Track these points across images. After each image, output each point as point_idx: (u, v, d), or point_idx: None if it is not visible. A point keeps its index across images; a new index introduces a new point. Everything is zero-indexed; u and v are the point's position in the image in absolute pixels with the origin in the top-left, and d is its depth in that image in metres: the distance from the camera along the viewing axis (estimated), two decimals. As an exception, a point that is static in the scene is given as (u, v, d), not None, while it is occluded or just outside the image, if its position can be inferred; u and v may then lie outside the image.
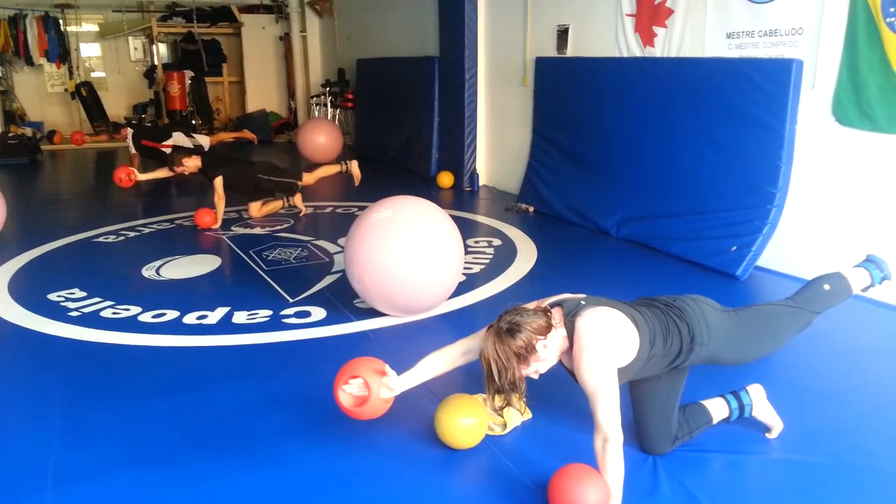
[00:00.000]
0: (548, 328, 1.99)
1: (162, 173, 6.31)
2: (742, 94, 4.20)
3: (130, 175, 6.34)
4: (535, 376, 2.06)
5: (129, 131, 7.93)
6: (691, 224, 4.54)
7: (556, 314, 2.04)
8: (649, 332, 2.08)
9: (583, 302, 2.07)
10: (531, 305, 2.09)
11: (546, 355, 2.00)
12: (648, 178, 4.95)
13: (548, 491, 2.03)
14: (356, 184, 6.14)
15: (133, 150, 7.90)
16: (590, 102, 5.47)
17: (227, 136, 8.88)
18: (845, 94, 3.77)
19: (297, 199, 5.97)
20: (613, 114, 5.24)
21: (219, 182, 5.54)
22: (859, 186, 3.81)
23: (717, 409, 2.41)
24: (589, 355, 1.94)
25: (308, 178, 5.96)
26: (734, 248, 4.21)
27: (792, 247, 4.16)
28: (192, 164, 5.79)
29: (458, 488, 2.24)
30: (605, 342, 1.96)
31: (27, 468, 2.34)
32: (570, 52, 5.79)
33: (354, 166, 6.10)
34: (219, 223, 5.55)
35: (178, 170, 5.81)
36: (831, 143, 3.92)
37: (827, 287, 2.34)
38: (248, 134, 9.08)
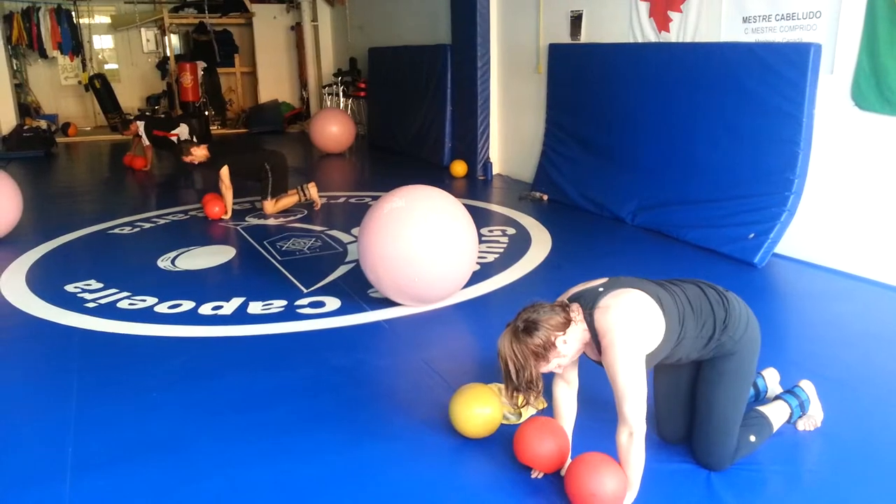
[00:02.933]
0: (566, 323, 1.95)
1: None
2: (759, 79, 4.14)
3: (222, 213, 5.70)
4: (559, 370, 2.03)
5: (140, 124, 7.95)
6: (708, 211, 4.50)
7: (576, 309, 2.00)
8: (678, 311, 2.02)
9: (601, 289, 2.02)
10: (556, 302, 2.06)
11: (567, 350, 1.96)
12: (664, 165, 4.90)
13: (564, 480, 2.02)
14: (316, 208, 5.84)
15: (146, 143, 7.94)
16: (604, 89, 5.42)
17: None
18: (865, 78, 3.70)
19: (313, 192, 5.86)
20: (628, 100, 5.18)
21: (224, 172, 5.48)
22: (879, 172, 3.75)
23: (777, 412, 2.33)
24: (616, 350, 1.89)
25: (269, 207, 5.59)
26: (752, 235, 4.16)
27: (810, 234, 4.11)
28: (201, 153, 5.72)
29: (472, 478, 2.24)
30: (630, 331, 1.92)
31: (46, 456, 2.36)
32: (584, 38, 5.73)
33: (313, 191, 5.86)
34: (229, 213, 5.55)
35: (187, 159, 5.75)
36: (850, 128, 3.85)
37: (753, 439, 2.22)
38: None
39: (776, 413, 2.32)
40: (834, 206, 3.99)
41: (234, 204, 5.64)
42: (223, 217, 5.53)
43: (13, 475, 2.28)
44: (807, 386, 2.44)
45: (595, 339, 1.97)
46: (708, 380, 2.16)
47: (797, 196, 4.06)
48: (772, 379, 2.56)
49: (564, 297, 2.08)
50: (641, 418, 1.90)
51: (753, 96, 4.19)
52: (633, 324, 1.93)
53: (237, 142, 6.53)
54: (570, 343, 1.96)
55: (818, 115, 3.97)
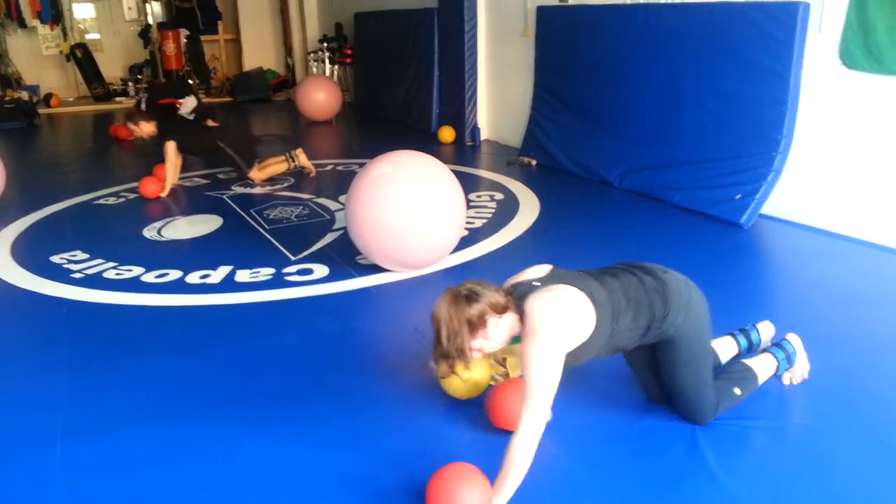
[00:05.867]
0: (504, 308, 1.92)
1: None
2: (746, 39, 4.11)
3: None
4: (478, 355, 1.95)
5: (143, 97, 7.83)
6: (695, 173, 4.50)
7: (512, 300, 1.96)
8: (612, 308, 2.00)
9: (536, 283, 1.98)
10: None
11: (495, 335, 1.92)
12: (652, 127, 4.89)
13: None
14: (312, 175, 5.79)
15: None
16: (592, 52, 5.37)
17: None
18: (853, 35, 3.68)
19: (303, 159, 5.78)
20: (616, 63, 5.14)
21: (170, 146, 5.30)
22: (866, 131, 3.75)
23: (763, 365, 2.36)
24: (536, 341, 1.86)
25: (257, 175, 5.52)
26: (738, 196, 4.17)
27: (797, 194, 4.12)
28: (147, 129, 5.51)
29: (463, 438, 2.26)
30: (554, 326, 1.88)
31: (37, 424, 2.37)
32: (573, 0, 5.66)
33: (302, 156, 5.77)
34: (166, 191, 5.33)
35: (132, 129, 5.55)
36: (838, 87, 3.84)
37: (737, 391, 2.24)
38: (211, 124, 8.38)
39: (762, 366, 2.34)
40: (820, 166, 4.00)
41: (221, 174, 5.58)
42: (160, 196, 5.30)
43: (4, 442, 2.29)
44: (793, 339, 2.47)
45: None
46: (665, 363, 2.18)
47: (783, 156, 4.06)
48: (766, 333, 2.59)
49: (507, 284, 2.06)
50: (536, 419, 1.84)
51: (741, 57, 4.16)
52: (559, 319, 1.89)
53: (184, 119, 6.20)
54: (500, 328, 1.92)
55: (805, 75, 3.95)
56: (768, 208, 4.20)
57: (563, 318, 1.90)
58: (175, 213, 4.87)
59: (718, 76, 4.34)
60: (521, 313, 1.93)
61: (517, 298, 1.95)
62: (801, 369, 2.45)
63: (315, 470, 2.10)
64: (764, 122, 4.09)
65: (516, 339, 2.74)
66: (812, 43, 3.88)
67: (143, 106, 7.82)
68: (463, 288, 1.92)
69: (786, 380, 2.44)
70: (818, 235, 3.98)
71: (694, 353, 2.14)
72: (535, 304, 1.91)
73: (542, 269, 2.07)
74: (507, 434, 1.97)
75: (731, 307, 2.90)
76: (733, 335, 2.54)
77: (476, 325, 1.88)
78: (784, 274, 3.77)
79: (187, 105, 7.95)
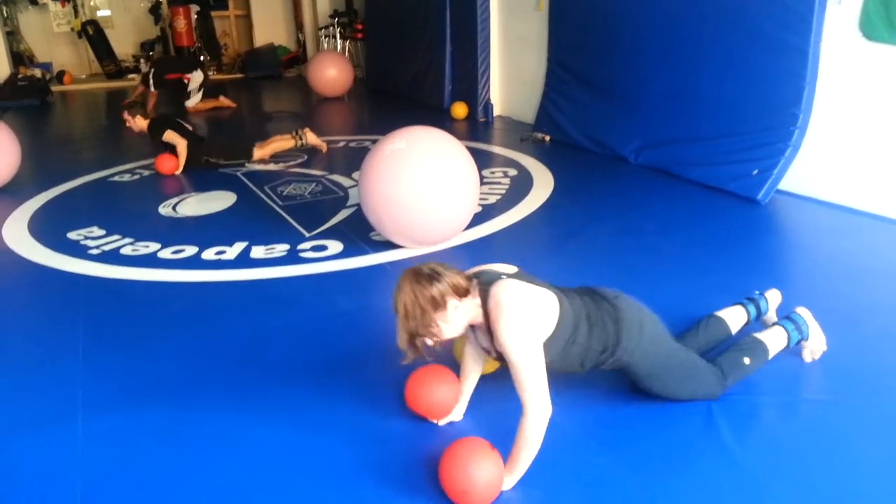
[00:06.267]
0: (465, 293, 1.90)
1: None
2: (764, 11, 4.03)
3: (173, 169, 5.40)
4: (431, 342, 1.91)
5: (151, 71, 7.83)
6: (711, 148, 4.45)
7: (475, 284, 1.94)
8: (574, 314, 1.99)
9: (504, 276, 1.97)
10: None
11: (453, 318, 1.89)
12: (667, 102, 4.83)
13: (438, 473, 1.88)
14: (324, 152, 5.78)
15: (153, 90, 7.83)
16: (607, 25, 5.30)
17: (204, 106, 8.18)
18: (874, 6, 3.60)
19: (311, 137, 5.76)
20: (631, 37, 5.07)
21: (170, 134, 5.30)
22: (886, 105, 3.69)
23: (773, 338, 2.33)
24: (509, 320, 1.84)
25: (259, 153, 5.49)
26: (755, 171, 4.13)
27: (816, 170, 4.07)
28: (139, 125, 5.48)
29: (477, 413, 2.27)
30: (523, 307, 1.87)
31: (58, 399, 2.41)
32: (586, -28, 5.57)
33: (310, 135, 5.74)
34: (181, 168, 5.32)
35: (126, 119, 5.51)
36: (858, 60, 3.77)
37: (747, 361, 2.22)
38: (224, 101, 8.32)
39: (772, 338, 2.32)
40: (839, 141, 3.95)
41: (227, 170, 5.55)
42: (175, 173, 5.30)
43: (26, 417, 2.33)
44: (803, 311, 2.44)
45: (487, 322, 1.91)
46: (636, 381, 2.19)
47: (802, 131, 4.01)
48: (773, 300, 2.60)
49: (469, 272, 2.05)
50: (540, 396, 1.83)
51: (758, 30, 4.09)
52: (527, 302, 1.89)
53: (176, 121, 6.01)
54: (459, 313, 1.90)
55: (824, 48, 3.88)
56: (786, 184, 4.16)
57: (530, 304, 1.90)
58: (190, 190, 4.89)
59: (735, 50, 4.27)
60: (484, 300, 1.91)
61: (483, 284, 1.93)
62: (817, 342, 2.42)
63: (328, 444, 2.13)
64: (782, 97, 4.03)
65: None
66: (832, 14, 3.81)
67: (150, 81, 7.80)
68: (425, 267, 1.91)
69: (807, 357, 2.43)
70: (836, 211, 3.95)
71: (657, 365, 2.13)
72: (502, 287, 1.89)
73: (508, 267, 2.05)
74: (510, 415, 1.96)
75: (748, 283, 2.88)
76: (742, 304, 2.54)
77: (438, 304, 1.86)
78: (801, 250, 3.74)
79: (195, 80, 7.95)
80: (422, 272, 1.88)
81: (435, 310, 1.86)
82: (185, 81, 7.96)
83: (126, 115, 5.50)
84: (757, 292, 2.62)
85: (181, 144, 5.32)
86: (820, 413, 2.20)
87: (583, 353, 2.03)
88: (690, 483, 1.91)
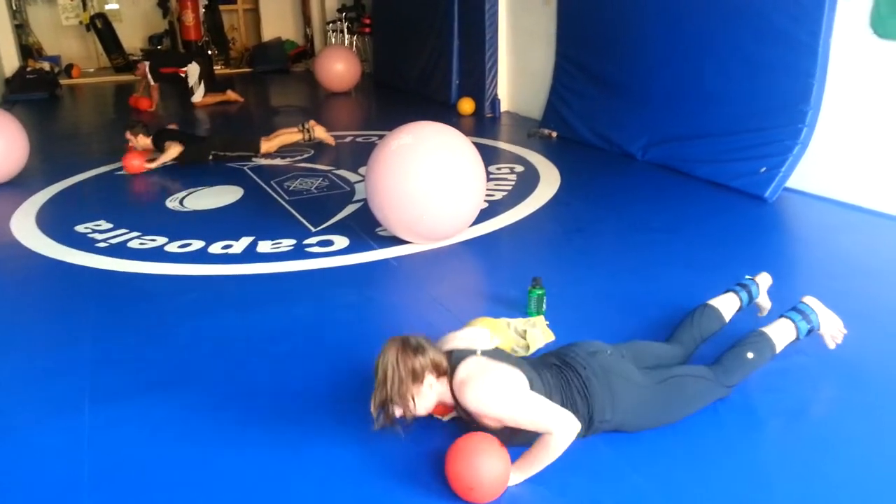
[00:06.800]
0: (444, 371, 1.92)
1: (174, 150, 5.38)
2: (773, 6, 4.01)
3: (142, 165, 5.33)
4: (398, 413, 1.91)
5: (146, 64, 7.84)
6: (719, 145, 4.43)
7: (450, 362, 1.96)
8: (544, 392, 1.94)
9: (478, 353, 1.96)
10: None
11: (426, 395, 1.91)
12: (675, 99, 4.81)
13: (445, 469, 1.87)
14: (332, 144, 5.82)
15: (153, 83, 7.84)
16: (615, 20, 5.28)
17: (211, 101, 8.15)
18: (885, 3, 3.58)
19: (319, 131, 5.78)
20: (639, 32, 5.05)
21: (170, 144, 5.30)
22: (896, 103, 3.67)
23: (780, 331, 2.29)
24: (473, 390, 1.84)
25: (266, 146, 5.52)
26: (763, 169, 4.11)
27: (824, 168, 4.05)
28: (142, 143, 5.45)
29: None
30: (487, 376, 1.87)
31: (65, 389, 2.43)
32: (595, -33, 5.55)
33: (318, 130, 5.75)
34: (149, 167, 5.26)
35: (129, 137, 5.46)
36: (868, 57, 3.75)
37: (750, 355, 2.18)
38: (231, 96, 8.29)
39: (778, 332, 2.28)
40: (848, 139, 3.92)
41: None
42: (144, 170, 5.24)
43: (34, 407, 2.35)
44: (809, 300, 2.38)
45: (455, 399, 1.92)
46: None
47: (810, 128, 3.99)
48: (763, 284, 2.61)
49: (442, 344, 2.07)
50: (564, 419, 1.82)
51: (767, 25, 4.07)
52: (490, 374, 1.88)
53: (178, 130, 5.96)
54: (433, 391, 1.93)
55: (834, 44, 3.86)
56: (794, 182, 4.14)
57: (494, 374, 1.89)
58: (197, 185, 4.90)
59: (744, 46, 4.25)
60: (451, 379, 1.91)
61: (454, 361, 1.94)
62: (832, 326, 2.36)
63: (333, 440, 2.13)
64: (790, 94, 4.01)
65: (541, 311, 2.76)
66: (842, 11, 3.78)
67: (149, 75, 7.78)
68: (413, 339, 1.93)
69: (830, 343, 2.37)
70: (845, 210, 3.93)
71: (645, 416, 2.07)
72: (466, 365, 1.91)
73: (484, 341, 2.05)
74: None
75: (754, 281, 2.87)
76: (734, 290, 2.52)
77: (417, 377, 1.88)
78: (809, 248, 3.73)
79: (192, 73, 7.93)
80: (409, 342, 1.92)
81: (413, 382, 1.88)
82: (182, 75, 7.95)
83: (128, 135, 5.49)
84: (747, 277, 2.61)
85: (173, 151, 5.32)
86: (830, 412, 2.20)
87: None
88: (701, 479, 1.91)
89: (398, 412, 1.92)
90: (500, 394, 1.85)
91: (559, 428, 1.82)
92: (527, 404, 1.85)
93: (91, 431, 2.19)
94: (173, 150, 5.32)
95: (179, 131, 5.69)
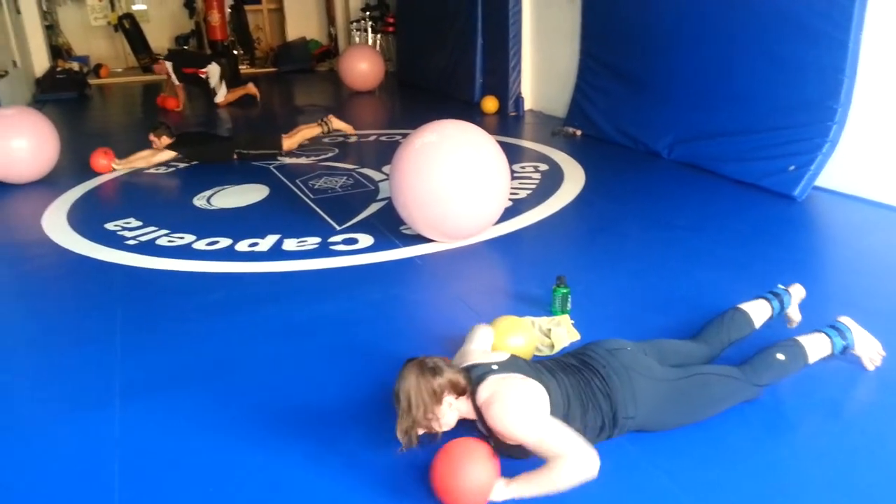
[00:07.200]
0: (463, 391, 1.92)
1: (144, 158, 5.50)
2: (803, 2, 3.95)
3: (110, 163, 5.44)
4: (420, 432, 1.92)
5: (168, 64, 7.92)
6: (746, 143, 4.38)
7: (469, 380, 1.95)
8: (563, 397, 1.95)
9: (495, 367, 1.97)
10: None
11: (446, 413, 1.92)
12: (702, 96, 4.76)
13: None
14: (350, 132, 6.00)
15: (177, 82, 7.94)
16: (640, 17, 5.24)
17: (233, 97, 8.26)
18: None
19: (336, 122, 5.87)
20: (665, 29, 5.01)
21: (164, 146, 5.45)
22: (929, 100, 3.60)
23: (814, 343, 2.26)
24: (500, 411, 1.84)
25: (289, 143, 5.59)
26: (792, 167, 4.05)
27: (854, 166, 3.99)
28: (164, 144, 5.53)
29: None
30: (512, 395, 1.86)
31: (96, 383, 2.48)
32: (620, -36, 5.51)
33: (336, 121, 5.87)
34: (118, 167, 5.37)
35: (152, 140, 5.56)
36: (901, 53, 3.69)
37: (781, 357, 2.16)
38: (251, 89, 8.38)
39: (812, 343, 2.26)
40: (879, 137, 3.86)
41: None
42: (112, 169, 5.36)
43: (65, 400, 2.40)
44: (846, 320, 2.36)
45: (481, 417, 1.91)
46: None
47: (840, 126, 3.93)
48: (796, 295, 2.57)
49: (459, 361, 2.06)
50: (583, 451, 1.77)
51: (796, 20, 4.01)
52: (514, 393, 1.87)
53: (201, 132, 6.10)
54: (453, 409, 1.93)
55: (865, 40, 3.79)
56: (823, 180, 4.08)
57: (517, 391, 1.88)
58: (224, 184, 4.95)
59: (772, 41, 4.19)
60: (474, 398, 1.92)
61: (473, 382, 1.94)
62: (869, 348, 2.34)
63: (355, 434, 2.15)
64: (820, 91, 3.95)
65: (565, 310, 2.75)
66: (873, 5, 3.72)
67: (172, 75, 7.87)
68: (429, 360, 1.94)
69: (868, 365, 2.35)
70: (875, 208, 3.86)
71: (671, 412, 2.06)
72: (488, 385, 1.90)
73: (499, 355, 2.05)
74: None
75: (783, 280, 2.83)
76: (766, 298, 2.50)
77: (437, 398, 1.89)
78: (839, 248, 3.67)
79: (213, 74, 8.01)
80: (426, 365, 1.92)
81: (434, 403, 1.89)
82: (203, 76, 8.02)
83: (152, 137, 5.58)
84: (780, 286, 2.57)
85: (165, 154, 5.44)
86: (863, 415, 2.18)
87: (580, 434, 1.88)
88: (729, 480, 1.89)
89: (420, 432, 1.93)
90: (523, 418, 1.84)
91: (575, 456, 1.78)
92: (549, 431, 1.82)
93: (121, 425, 2.23)
94: (165, 154, 5.44)
95: (203, 132, 5.78)
